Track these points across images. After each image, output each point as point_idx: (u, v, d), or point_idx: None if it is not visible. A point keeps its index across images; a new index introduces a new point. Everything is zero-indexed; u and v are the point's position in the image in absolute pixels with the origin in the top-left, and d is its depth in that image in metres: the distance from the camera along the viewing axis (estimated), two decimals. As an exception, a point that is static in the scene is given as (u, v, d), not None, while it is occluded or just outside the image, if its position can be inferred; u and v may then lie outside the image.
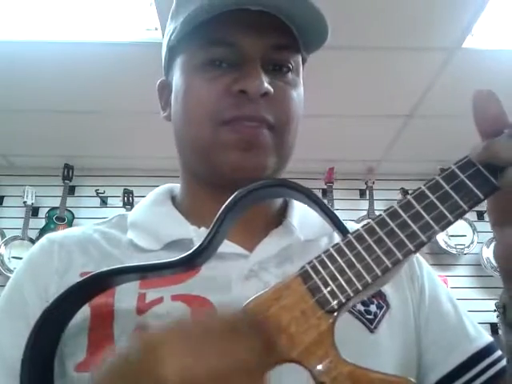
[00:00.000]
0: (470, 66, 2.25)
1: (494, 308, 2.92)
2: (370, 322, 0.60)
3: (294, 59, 0.64)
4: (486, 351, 0.65)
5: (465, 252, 3.09)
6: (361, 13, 1.89)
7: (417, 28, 2.04)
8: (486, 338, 0.67)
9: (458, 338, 0.65)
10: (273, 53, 0.61)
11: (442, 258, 3.12)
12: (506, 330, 0.51)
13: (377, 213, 3.07)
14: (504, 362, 0.63)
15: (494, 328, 2.89)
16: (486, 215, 3.15)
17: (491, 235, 3.10)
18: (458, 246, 3.07)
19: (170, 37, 0.65)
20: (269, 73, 0.61)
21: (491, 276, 3.09)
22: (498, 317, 0.54)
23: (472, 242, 3.09)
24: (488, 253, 3.08)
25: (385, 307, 0.62)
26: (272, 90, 0.59)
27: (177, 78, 0.65)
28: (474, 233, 3.09)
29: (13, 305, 0.61)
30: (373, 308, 0.61)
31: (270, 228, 0.65)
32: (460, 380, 0.62)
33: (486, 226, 3.11)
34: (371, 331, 0.59)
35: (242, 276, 0.59)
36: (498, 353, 0.65)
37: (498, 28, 2.07)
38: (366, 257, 0.43)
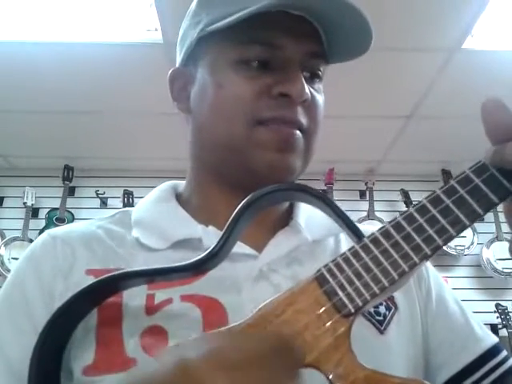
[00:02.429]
0: (469, 67, 2.25)
1: (493, 309, 2.92)
2: (380, 324, 0.60)
3: (323, 67, 0.65)
4: (493, 351, 0.65)
5: (465, 253, 3.09)
6: (361, 14, 1.89)
7: (417, 29, 2.04)
8: (493, 338, 0.67)
9: (466, 339, 0.65)
10: (309, 60, 0.62)
11: (442, 259, 3.11)
12: None
13: (377, 214, 3.08)
14: (510, 362, 0.64)
15: (493, 329, 2.89)
16: (485, 216, 3.15)
17: (491, 236, 3.10)
18: (458, 247, 3.07)
19: (204, 27, 0.62)
20: (305, 79, 0.61)
21: (491, 277, 3.08)
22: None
23: (472, 243, 3.09)
24: (488, 254, 3.07)
25: (393, 308, 0.62)
26: (310, 96, 0.60)
27: (205, 70, 0.64)
28: (474, 234, 3.09)
29: (14, 302, 0.60)
30: (382, 309, 0.61)
31: (277, 228, 0.65)
32: (468, 380, 0.63)
33: (485, 227, 3.11)
34: (381, 332, 0.59)
35: (251, 277, 0.58)
36: (505, 353, 0.66)
37: (498, 29, 2.07)
38: (383, 260, 0.43)
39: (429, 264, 0.71)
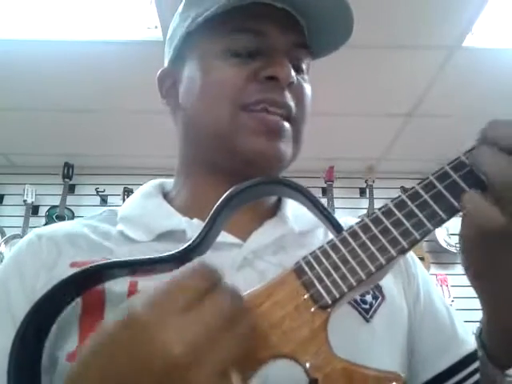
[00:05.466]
0: (470, 65, 2.25)
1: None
2: (366, 312, 0.60)
3: (308, 61, 0.66)
4: (475, 355, 0.65)
5: (465, 250, 3.08)
6: (360, 11, 1.89)
7: (417, 26, 2.04)
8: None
9: (450, 340, 0.66)
10: (293, 50, 0.63)
11: (442, 257, 3.11)
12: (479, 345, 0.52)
13: (377, 211, 3.07)
14: None
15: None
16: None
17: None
18: (457, 245, 3.06)
19: (192, 20, 0.64)
20: None
21: (491, 275, 3.08)
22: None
23: (472, 241, 3.08)
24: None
25: (380, 298, 0.62)
26: (296, 80, 0.61)
27: (193, 64, 0.65)
28: (474, 231, 3.09)
29: None
30: (368, 298, 0.61)
31: (264, 219, 0.65)
32: (449, 381, 0.62)
33: (485, 224, 3.10)
34: (367, 321, 0.59)
35: (235, 265, 0.59)
36: None
37: (499, 27, 2.07)
38: (361, 253, 0.43)
39: (418, 261, 0.72)
